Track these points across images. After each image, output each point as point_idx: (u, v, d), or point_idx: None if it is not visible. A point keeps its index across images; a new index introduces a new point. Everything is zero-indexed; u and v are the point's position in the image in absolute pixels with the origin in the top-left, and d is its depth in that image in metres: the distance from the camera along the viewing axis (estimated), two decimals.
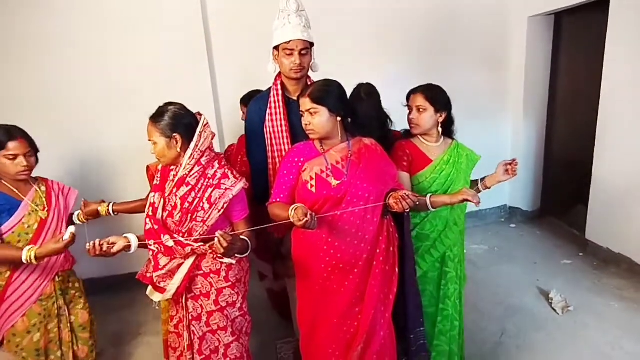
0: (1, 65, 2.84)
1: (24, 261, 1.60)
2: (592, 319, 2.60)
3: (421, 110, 1.82)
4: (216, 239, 1.39)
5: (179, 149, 1.58)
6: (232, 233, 1.48)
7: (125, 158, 3.05)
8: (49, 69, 2.90)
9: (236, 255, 1.59)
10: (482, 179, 1.91)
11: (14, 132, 1.74)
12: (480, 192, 1.85)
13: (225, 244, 1.38)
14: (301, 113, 1.64)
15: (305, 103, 1.60)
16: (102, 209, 2.01)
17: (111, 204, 2.03)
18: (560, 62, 3.81)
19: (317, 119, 1.59)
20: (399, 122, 2.04)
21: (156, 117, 1.59)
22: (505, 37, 3.81)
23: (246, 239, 1.62)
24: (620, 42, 2.94)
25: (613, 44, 2.99)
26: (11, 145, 1.71)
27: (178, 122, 1.59)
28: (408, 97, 1.90)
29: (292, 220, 1.40)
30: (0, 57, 2.83)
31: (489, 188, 1.90)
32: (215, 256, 1.63)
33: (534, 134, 4.01)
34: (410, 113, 1.88)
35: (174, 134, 1.57)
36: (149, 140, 1.60)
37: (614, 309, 2.69)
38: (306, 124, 1.62)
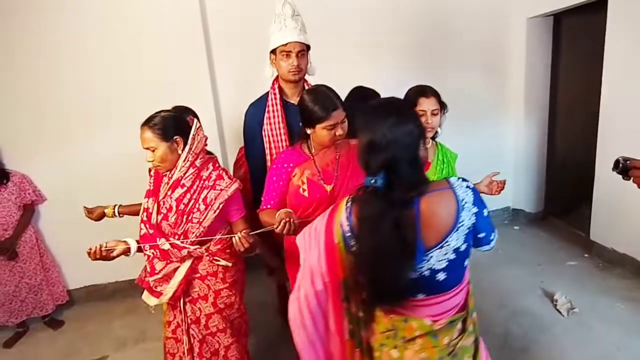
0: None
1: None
2: (598, 320, 2.56)
3: (434, 113, 1.81)
4: (236, 239, 1.50)
5: (180, 152, 1.59)
6: (252, 233, 1.55)
7: (126, 163, 3.03)
8: (49, 73, 2.89)
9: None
10: None
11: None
12: None
13: (247, 245, 1.50)
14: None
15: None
16: (109, 211, 2.02)
17: (117, 206, 2.04)
18: (560, 63, 3.80)
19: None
20: None
21: (152, 123, 1.57)
22: (504, 39, 3.80)
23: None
24: (619, 42, 2.93)
25: (612, 44, 2.98)
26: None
27: (177, 125, 1.60)
28: (415, 101, 1.82)
29: (275, 230, 1.45)
30: None
31: None
32: (211, 258, 1.64)
33: (536, 135, 3.98)
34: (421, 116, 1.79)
35: (175, 137, 1.58)
36: (145, 148, 1.58)
37: (619, 310, 2.65)
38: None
